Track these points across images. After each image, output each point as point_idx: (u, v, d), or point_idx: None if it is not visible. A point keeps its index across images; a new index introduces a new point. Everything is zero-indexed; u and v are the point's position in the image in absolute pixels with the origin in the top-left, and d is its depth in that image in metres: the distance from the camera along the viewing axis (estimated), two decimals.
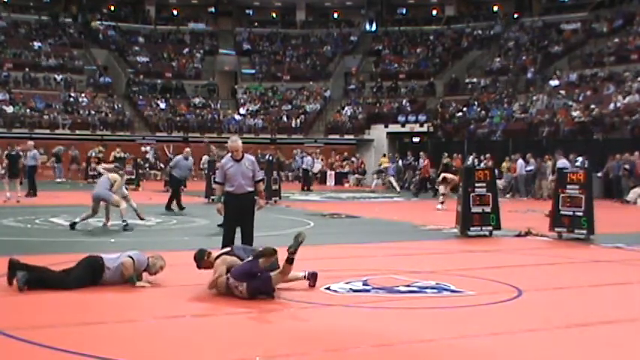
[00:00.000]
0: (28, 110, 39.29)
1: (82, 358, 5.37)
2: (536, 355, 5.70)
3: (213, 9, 53.00)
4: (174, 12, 52.88)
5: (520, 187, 26.71)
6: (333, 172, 37.09)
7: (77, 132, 38.88)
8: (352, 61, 48.21)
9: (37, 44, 44.55)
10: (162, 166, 34.96)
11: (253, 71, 47.61)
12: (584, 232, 12.77)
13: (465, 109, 38.65)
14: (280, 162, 34.02)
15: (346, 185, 35.48)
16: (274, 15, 53.69)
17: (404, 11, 52.89)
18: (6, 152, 22.31)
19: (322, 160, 37.80)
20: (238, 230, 9.30)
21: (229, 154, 9.40)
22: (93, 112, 40.80)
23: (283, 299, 7.49)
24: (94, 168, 32.11)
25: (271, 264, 7.51)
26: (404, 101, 42.17)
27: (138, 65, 46.21)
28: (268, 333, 6.35)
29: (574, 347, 5.98)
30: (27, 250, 10.52)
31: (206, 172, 23.54)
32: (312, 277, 8.10)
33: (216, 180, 9.68)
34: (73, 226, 13.68)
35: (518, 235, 13.46)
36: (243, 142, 9.64)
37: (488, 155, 27.43)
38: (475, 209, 13.37)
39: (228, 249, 8.23)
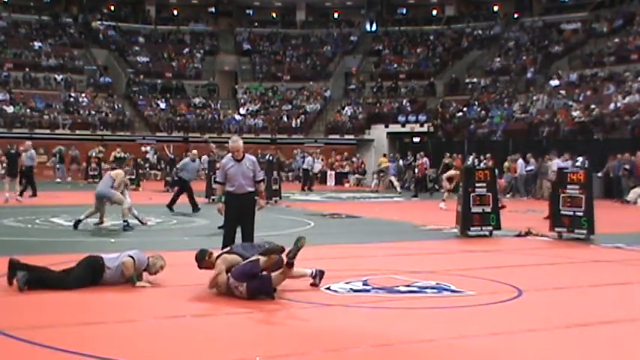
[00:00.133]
0: (28, 110, 39.27)
1: (82, 358, 5.37)
2: (536, 355, 5.70)
3: (213, 9, 52.98)
4: (175, 12, 52.87)
5: (520, 187, 26.72)
6: (333, 172, 37.08)
7: (77, 132, 38.85)
8: (352, 61, 48.17)
9: (37, 44, 44.51)
10: (163, 166, 34.91)
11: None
12: (585, 232, 12.77)
13: (465, 109, 38.62)
14: (280, 162, 33.98)
15: (346, 185, 35.47)
16: (274, 15, 53.66)
17: (404, 11, 52.85)
18: (5, 151, 22.35)
19: (322, 160, 37.78)
20: (239, 230, 9.30)
21: (230, 154, 9.41)
22: (93, 112, 40.78)
23: (283, 299, 7.48)
24: (94, 168, 32.20)
25: (275, 262, 7.50)
26: (404, 101, 42.13)
27: (138, 65, 46.18)
28: (268, 333, 6.35)
29: (574, 347, 5.98)
30: (27, 250, 10.52)
31: (206, 172, 23.52)
32: (320, 275, 8.09)
33: (217, 180, 9.70)
34: (76, 224, 13.63)
35: (519, 235, 13.46)
36: (243, 142, 9.64)
37: (488, 155, 27.42)
38: (475, 209, 13.37)
39: (228, 248, 8.24)
